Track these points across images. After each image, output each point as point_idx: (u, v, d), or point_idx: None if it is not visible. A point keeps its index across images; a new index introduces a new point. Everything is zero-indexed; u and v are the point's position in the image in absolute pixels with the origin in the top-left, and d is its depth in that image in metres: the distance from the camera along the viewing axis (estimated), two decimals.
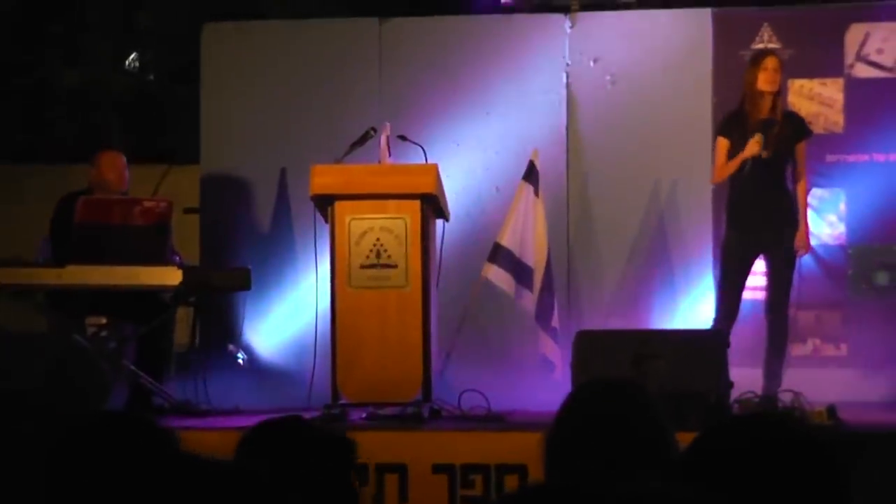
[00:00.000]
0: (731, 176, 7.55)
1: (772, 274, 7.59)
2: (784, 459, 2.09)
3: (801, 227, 7.54)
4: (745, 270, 7.57)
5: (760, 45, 8.72)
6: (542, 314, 7.97)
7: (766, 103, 7.46)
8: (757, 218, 7.45)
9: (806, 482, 2.08)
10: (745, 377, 7.29)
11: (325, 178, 7.09)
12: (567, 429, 2.70)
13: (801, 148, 7.56)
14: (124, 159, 8.09)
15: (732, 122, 7.56)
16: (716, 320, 7.56)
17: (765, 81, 7.41)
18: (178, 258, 7.91)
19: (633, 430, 2.66)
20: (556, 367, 7.82)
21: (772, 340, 7.51)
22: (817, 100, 8.77)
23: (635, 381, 2.79)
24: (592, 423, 2.69)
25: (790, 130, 7.50)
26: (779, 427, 2.15)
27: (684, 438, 2.25)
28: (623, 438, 2.65)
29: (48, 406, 6.55)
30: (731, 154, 7.49)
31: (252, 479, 1.84)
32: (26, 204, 9.93)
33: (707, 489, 2.02)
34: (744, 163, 7.39)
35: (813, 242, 8.59)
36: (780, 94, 7.54)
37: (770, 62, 7.49)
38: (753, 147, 7.35)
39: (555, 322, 7.99)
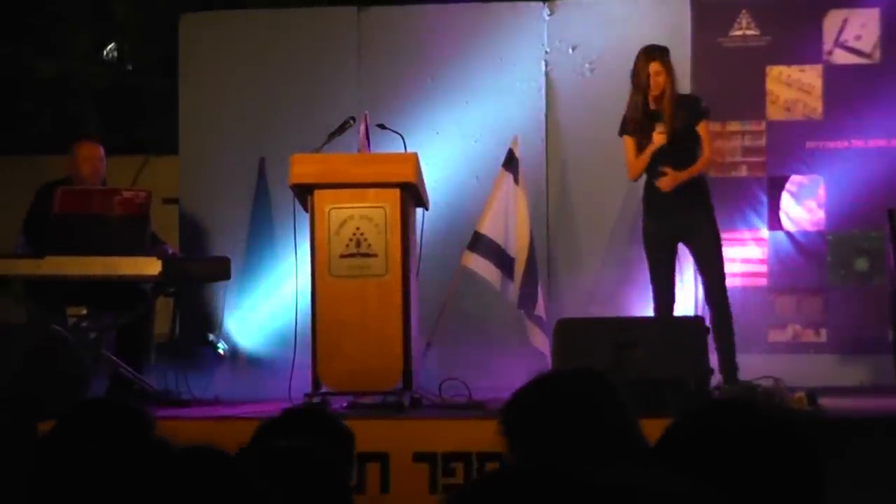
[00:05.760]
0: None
1: (698, 259, 7.56)
2: (758, 444, 2.10)
3: (681, 174, 7.44)
4: (671, 258, 7.51)
5: (739, 32, 8.73)
6: (525, 303, 7.95)
7: (654, 95, 7.42)
8: (669, 205, 7.42)
9: (781, 467, 2.09)
10: None
11: (304, 167, 7.08)
12: (527, 415, 2.70)
13: (703, 127, 7.51)
14: (101, 150, 8.01)
15: (630, 122, 7.52)
16: (656, 311, 7.51)
17: (650, 75, 7.41)
18: (167, 247, 7.87)
19: (596, 418, 2.65)
20: (547, 357, 7.75)
21: (717, 329, 7.29)
22: (796, 86, 8.78)
23: (602, 369, 2.76)
24: (554, 411, 2.68)
25: (686, 114, 7.45)
26: (752, 412, 2.15)
27: (664, 425, 2.25)
28: (586, 425, 2.64)
29: (28, 397, 6.53)
30: (640, 148, 7.47)
31: (222, 466, 1.83)
32: (2, 196, 9.87)
33: (681, 474, 2.02)
34: (654, 153, 7.39)
35: (792, 229, 8.64)
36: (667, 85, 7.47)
37: (653, 66, 7.44)
38: (660, 138, 7.35)
39: (539, 311, 7.96)
